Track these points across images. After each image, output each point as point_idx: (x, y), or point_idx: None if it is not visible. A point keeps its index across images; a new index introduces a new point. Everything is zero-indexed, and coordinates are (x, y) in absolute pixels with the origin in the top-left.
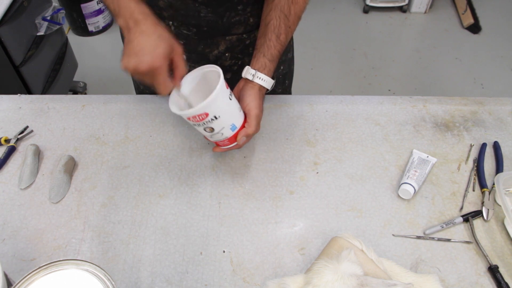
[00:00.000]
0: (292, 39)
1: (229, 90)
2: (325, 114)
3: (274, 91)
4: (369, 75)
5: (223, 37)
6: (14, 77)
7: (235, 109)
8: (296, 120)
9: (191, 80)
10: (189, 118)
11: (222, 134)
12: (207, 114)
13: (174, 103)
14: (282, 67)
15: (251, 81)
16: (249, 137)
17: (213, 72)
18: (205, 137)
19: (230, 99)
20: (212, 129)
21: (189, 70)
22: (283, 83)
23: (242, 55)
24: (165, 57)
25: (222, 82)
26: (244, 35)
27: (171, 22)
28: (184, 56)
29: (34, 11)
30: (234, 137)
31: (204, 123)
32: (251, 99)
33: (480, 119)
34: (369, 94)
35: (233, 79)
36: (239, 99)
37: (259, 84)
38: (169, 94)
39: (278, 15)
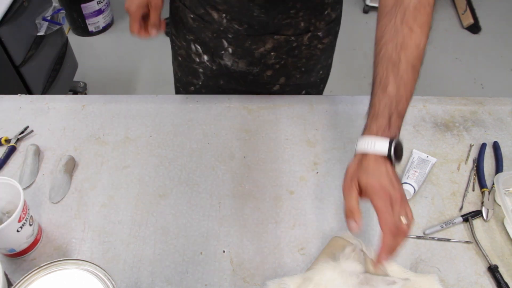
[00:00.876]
0: (334, 46)
1: (22, 221)
2: (325, 114)
3: (308, 93)
4: (369, 75)
5: (272, 35)
6: (14, 77)
7: (19, 237)
8: (296, 120)
9: None
10: None
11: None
12: None
13: None
14: (321, 72)
15: (361, 153)
16: (392, 236)
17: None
18: None
19: (19, 231)
20: None
21: (231, 66)
22: (318, 86)
23: (287, 56)
24: (139, 6)
25: (16, 215)
26: (292, 37)
27: (224, 15)
28: (160, 11)
29: (34, 11)
30: (12, 255)
31: None
32: (364, 173)
33: (480, 119)
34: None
35: (274, 76)
36: (356, 181)
37: (369, 153)
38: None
39: (385, 66)
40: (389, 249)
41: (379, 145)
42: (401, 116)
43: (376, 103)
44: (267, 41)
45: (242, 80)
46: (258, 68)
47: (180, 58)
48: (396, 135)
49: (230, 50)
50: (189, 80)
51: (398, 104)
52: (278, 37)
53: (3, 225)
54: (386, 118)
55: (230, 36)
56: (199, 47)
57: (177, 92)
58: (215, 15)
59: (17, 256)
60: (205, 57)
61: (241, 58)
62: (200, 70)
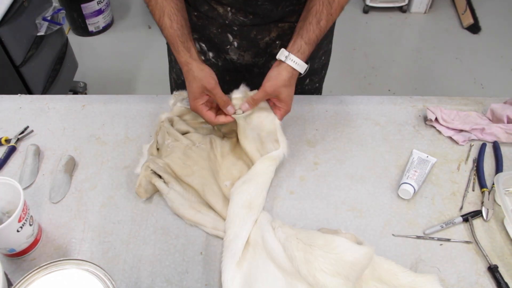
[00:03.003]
0: (333, 30)
1: (22, 221)
2: (325, 114)
3: (311, 81)
4: (369, 75)
5: (276, 23)
6: (14, 77)
7: (19, 237)
8: (296, 120)
9: None
10: None
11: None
12: None
13: None
14: (323, 58)
15: (284, 62)
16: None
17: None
18: None
19: (19, 231)
20: None
21: (237, 60)
22: (320, 72)
23: None
24: (200, 98)
25: (14, 216)
26: (295, 24)
27: (229, 8)
28: (219, 87)
29: (34, 11)
30: (12, 255)
31: None
32: (280, 80)
33: None
34: (369, 94)
35: None
36: (268, 79)
37: (290, 66)
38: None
39: (321, 1)
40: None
41: (300, 66)
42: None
43: (310, 32)
44: (272, 29)
45: (247, 74)
46: (263, 59)
47: None
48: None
49: (235, 43)
50: None
51: (321, 37)
52: (283, 24)
53: (3, 225)
54: (312, 47)
55: (236, 28)
56: (203, 45)
57: None
58: (220, 9)
59: (17, 256)
60: (211, 54)
61: (246, 51)
62: None
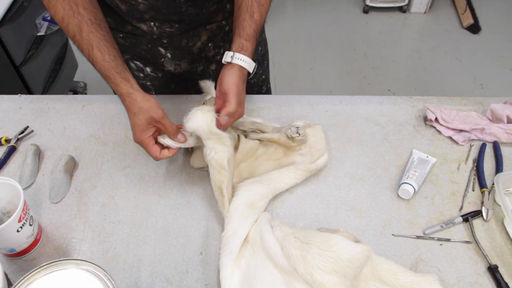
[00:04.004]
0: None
1: (22, 221)
2: (325, 114)
3: (255, 73)
4: (369, 75)
5: (204, 27)
6: (14, 77)
7: (19, 237)
8: (296, 120)
9: None
10: None
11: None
12: None
13: None
14: (260, 48)
15: (230, 63)
16: (231, 116)
17: (10, 185)
18: None
19: (19, 231)
20: None
21: (174, 70)
22: (262, 63)
23: (224, 43)
24: (146, 130)
25: (15, 215)
26: (223, 22)
27: (152, 23)
28: (167, 117)
29: (34, 11)
30: (12, 255)
31: None
32: (230, 78)
33: None
34: (369, 94)
35: (219, 69)
36: (219, 84)
37: (238, 65)
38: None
39: None
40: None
41: (248, 64)
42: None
43: (247, 27)
44: (201, 33)
45: (190, 81)
46: (201, 65)
47: None
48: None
49: (169, 55)
50: None
51: (259, 30)
52: (210, 26)
53: (3, 225)
54: (254, 42)
55: (165, 41)
56: (138, 63)
57: None
58: (143, 27)
59: (17, 256)
60: (148, 70)
61: (181, 59)
62: (148, 83)
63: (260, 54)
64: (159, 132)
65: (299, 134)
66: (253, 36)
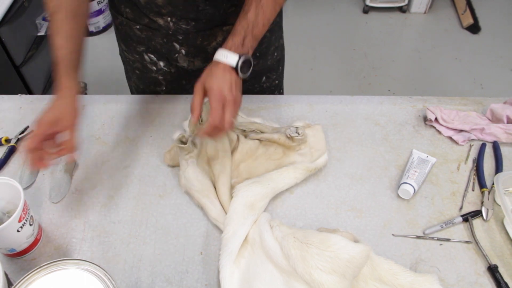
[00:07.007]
0: (281, 26)
1: (22, 221)
2: (325, 114)
3: (269, 78)
4: (369, 75)
5: (221, 27)
6: (14, 77)
7: (20, 237)
8: (296, 120)
9: None
10: None
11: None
12: None
13: None
14: (276, 54)
15: (215, 61)
16: (213, 128)
17: (11, 186)
18: None
19: (19, 231)
20: None
21: (188, 67)
22: (277, 69)
23: None
24: (46, 124)
25: (16, 214)
26: None
27: (169, 18)
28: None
29: (34, 11)
30: (12, 255)
31: None
32: (210, 78)
33: None
34: (369, 94)
35: None
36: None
37: (220, 62)
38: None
39: None
40: (208, 134)
41: (230, 58)
42: (256, 38)
43: (237, 24)
44: (217, 34)
45: None
46: None
47: (138, 72)
48: (249, 52)
49: (183, 51)
50: (153, 90)
51: (254, 28)
52: (227, 27)
53: (3, 225)
54: (241, 37)
55: (180, 37)
56: (152, 56)
57: None
58: (160, 21)
59: (18, 256)
60: (161, 64)
61: (195, 57)
62: (160, 77)
63: (276, 59)
64: (51, 141)
65: (299, 134)
66: (239, 32)
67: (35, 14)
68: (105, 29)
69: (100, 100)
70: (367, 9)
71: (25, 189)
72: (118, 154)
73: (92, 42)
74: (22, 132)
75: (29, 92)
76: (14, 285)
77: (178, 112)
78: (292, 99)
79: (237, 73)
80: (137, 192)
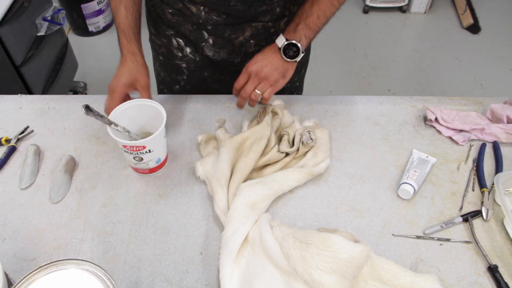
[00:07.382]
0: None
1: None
2: (325, 114)
3: (291, 79)
4: (369, 75)
5: (249, 23)
6: (14, 77)
7: (164, 146)
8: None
9: (128, 110)
10: (124, 146)
11: (148, 164)
12: (144, 147)
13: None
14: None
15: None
16: (242, 98)
17: (150, 107)
18: (128, 162)
19: (164, 137)
20: (141, 159)
21: (213, 56)
22: (299, 71)
23: (266, 43)
24: (125, 86)
25: (164, 123)
26: (269, 23)
27: (202, 7)
28: (150, 90)
29: (34, 11)
30: (155, 169)
31: (138, 154)
32: (257, 54)
33: None
34: (369, 94)
35: None
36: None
37: (273, 45)
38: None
39: None
40: (239, 104)
41: (279, 40)
42: (310, 28)
43: (295, 15)
44: (245, 29)
45: (225, 70)
46: (239, 57)
47: (161, 58)
48: (300, 39)
49: (210, 41)
50: (173, 78)
51: (308, 17)
52: (256, 24)
53: (160, 128)
54: (295, 24)
55: (210, 27)
56: (180, 41)
57: (160, 93)
58: (193, 8)
59: (152, 172)
60: (188, 50)
61: (222, 48)
62: (184, 65)
63: (300, 62)
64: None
65: (312, 140)
66: (294, 20)
67: (35, 14)
68: (105, 29)
69: (100, 100)
70: (367, 9)
71: (25, 189)
72: (118, 154)
73: (92, 42)
74: (22, 132)
75: (29, 92)
76: (14, 285)
77: (178, 112)
78: (292, 99)
79: (282, 56)
80: (137, 192)
